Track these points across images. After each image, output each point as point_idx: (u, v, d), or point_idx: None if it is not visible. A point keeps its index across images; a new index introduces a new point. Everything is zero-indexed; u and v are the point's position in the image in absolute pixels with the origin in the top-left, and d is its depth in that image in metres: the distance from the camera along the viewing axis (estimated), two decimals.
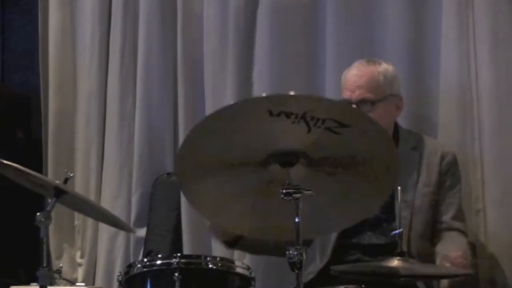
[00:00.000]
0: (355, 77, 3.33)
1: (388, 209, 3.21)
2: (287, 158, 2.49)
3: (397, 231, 2.75)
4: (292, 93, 2.34)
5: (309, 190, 2.51)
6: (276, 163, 2.51)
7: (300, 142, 2.46)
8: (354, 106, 3.26)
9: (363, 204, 2.65)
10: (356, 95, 3.30)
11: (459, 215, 3.35)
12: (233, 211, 2.68)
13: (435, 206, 3.32)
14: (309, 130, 2.41)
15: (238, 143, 2.49)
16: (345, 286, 2.94)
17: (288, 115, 2.36)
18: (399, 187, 2.77)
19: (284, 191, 2.50)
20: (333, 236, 3.32)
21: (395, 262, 2.71)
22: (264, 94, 2.46)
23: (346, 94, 3.33)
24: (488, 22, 3.54)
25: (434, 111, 3.67)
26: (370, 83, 3.30)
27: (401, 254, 2.73)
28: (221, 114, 2.44)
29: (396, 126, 3.42)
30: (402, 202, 2.85)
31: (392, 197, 3.20)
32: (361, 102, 3.28)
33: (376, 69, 3.34)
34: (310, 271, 3.31)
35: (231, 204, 2.66)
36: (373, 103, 3.29)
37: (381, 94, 3.31)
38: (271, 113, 2.36)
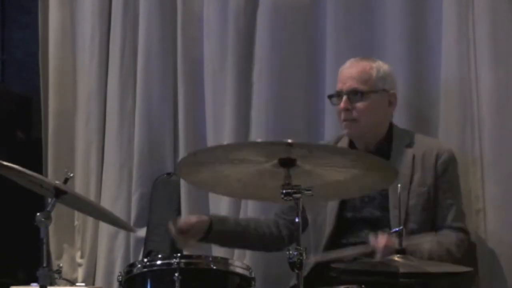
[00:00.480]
0: (347, 69, 3.39)
1: (385, 208, 3.24)
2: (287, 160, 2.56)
3: (397, 229, 2.75)
4: (290, 141, 2.49)
5: (309, 190, 2.53)
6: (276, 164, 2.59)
7: None
8: (344, 97, 3.30)
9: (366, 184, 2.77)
10: (347, 86, 3.34)
11: (459, 215, 3.32)
12: (231, 186, 2.81)
13: (432, 207, 3.30)
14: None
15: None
16: (345, 286, 2.94)
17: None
18: (399, 185, 2.77)
19: (284, 191, 2.52)
20: (326, 234, 3.33)
21: (394, 260, 2.71)
22: (259, 140, 2.60)
23: (338, 87, 3.37)
24: (488, 22, 3.53)
25: (434, 111, 3.67)
26: (362, 75, 3.34)
27: (400, 252, 2.73)
28: (214, 150, 2.72)
29: (391, 125, 3.42)
30: (396, 201, 2.87)
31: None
32: (351, 92, 3.32)
33: (370, 64, 3.38)
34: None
35: (230, 182, 2.75)
36: (362, 93, 3.32)
37: (372, 86, 3.33)
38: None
